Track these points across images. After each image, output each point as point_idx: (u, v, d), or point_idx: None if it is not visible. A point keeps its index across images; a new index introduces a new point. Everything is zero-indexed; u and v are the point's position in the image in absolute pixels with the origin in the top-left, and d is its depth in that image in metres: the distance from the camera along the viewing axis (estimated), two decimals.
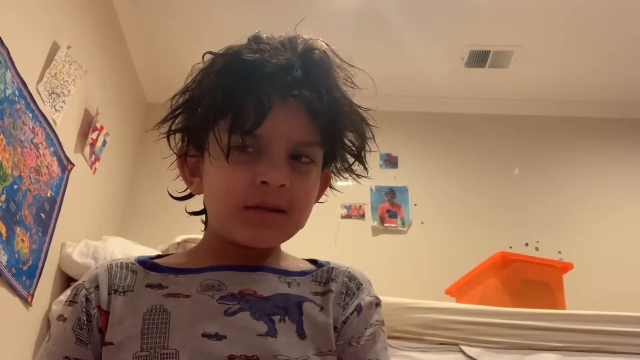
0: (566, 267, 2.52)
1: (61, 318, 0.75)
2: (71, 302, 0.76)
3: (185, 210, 0.87)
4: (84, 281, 0.78)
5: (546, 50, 3.26)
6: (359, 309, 0.76)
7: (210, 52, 0.78)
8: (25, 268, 2.11)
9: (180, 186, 0.85)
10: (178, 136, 0.81)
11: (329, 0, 2.91)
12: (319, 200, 0.85)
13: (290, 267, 0.79)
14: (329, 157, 0.81)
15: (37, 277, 2.22)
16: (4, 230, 1.94)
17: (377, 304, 0.79)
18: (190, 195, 0.84)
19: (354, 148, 0.82)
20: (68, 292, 2.36)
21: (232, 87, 0.74)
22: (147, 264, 0.78)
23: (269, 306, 0.71)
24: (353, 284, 0.78)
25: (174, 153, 0.82)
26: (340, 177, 0.86)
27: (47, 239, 2.29)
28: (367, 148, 0.82)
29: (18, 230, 2.04)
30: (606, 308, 2.16)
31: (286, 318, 0.71)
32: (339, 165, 0.84)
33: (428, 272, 3.09)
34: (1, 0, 1.97)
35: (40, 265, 2.24)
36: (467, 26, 3.11)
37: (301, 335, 0.70)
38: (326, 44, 0.79)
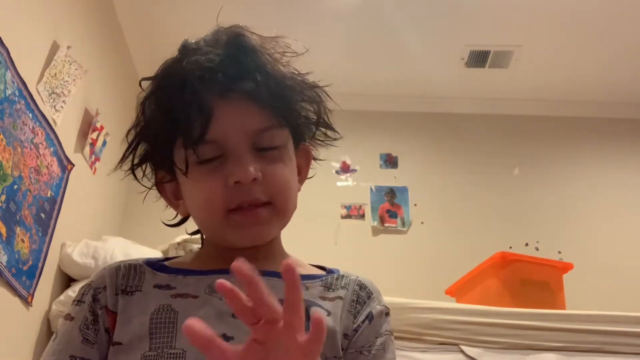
0: (566, 267, 2.52)
1: (68, 317, 0.76)
2: (79, 301, 0.76)
3: (186, 232, 0.87)
4: (92, 281, 0.78)
5: (546, 50, 3.26)
6: (370, 317, 0.76)
7: (145, 78, 0.80)
8: (25, 268, 2.11)
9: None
10: (148, 167, 0.82)
11: (330, 0, 2.91)
12: (308, 177, 0.85)
13: (299, 271, 0.79)
14: (297, 133, 0.80)
15: (37, 277, 2.21)
16: (4, 230, 1.94)
17: (387, 313, 0.80)
18: (183, 220, 0.84)
19: (314, 116, 0.81)
20: (68, 292, 2.38)
21: (171, 105, 0.74)
22: (155, 265, 0.79)
23: None
24: (364, 293, 0.79)
25: (144, 186, 0.83)
26: (316, 144, 0.84)
27: (47, 239, 2.29)
28: (325, 111, 0.81)
29: (18, 230, 2.04)
30: (606, 308, 2.16)
31: None
32: (310, 135, 0.83)
33: (428, 272, 3.08)
34: (1, 1, 1.97)
35: (40, 265, 2.24)
36: (467, 26, 3.11)
37: None
38: (244, 27, 0.79)
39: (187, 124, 0.72)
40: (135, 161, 0.81)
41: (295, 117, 0.79)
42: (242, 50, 0.75)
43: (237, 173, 0.72)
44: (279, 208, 0.75)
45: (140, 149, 0.80)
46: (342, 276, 0.80)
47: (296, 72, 0.79)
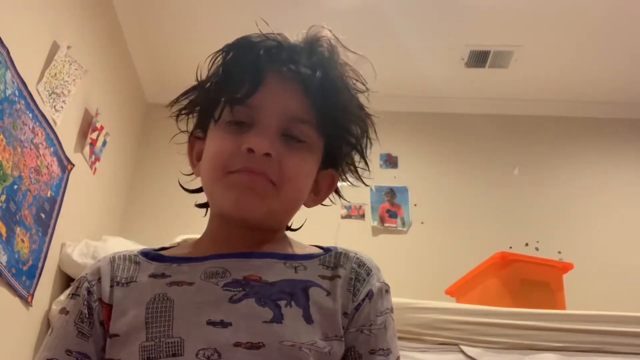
0: (566, 267, 2.51)
1: (63, 311, 0.75)
2: (73, 295, 0.76)
3: (195, 205, 0.87)
4: (86, 274, 0.77)
5: (546, 50, 3.25)
6: (370, 295, 0.75)
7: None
8: (25, 268, 2.11)
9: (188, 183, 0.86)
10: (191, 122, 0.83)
11: (329, 0, 2.91)
12: (324, 203, 0.84)
13: (297, 251, 0.79)
14: (330, 150, 0.80)
15: (37, 277, 2.22)
16: (4, 230, 1.94)
17: (387, 290, 0.79)
18: (201, 189, 0.84)
19: (353, 139, 0.81)
20: (68, 292, 2.38)
21: (233, 63, 0.77)
22: (150, 255, 0.78)
23: (275, 291, 0.71)
24: (363, 270, 0.77)
25: (181, 131, 0.84)
26: (344, 178, 0.85)
27: (47, 239, 2.29)
28: (367, 142, 0.82)
29: (18, 230, 2.04)
30: (606, 308, 2.16)
31: (292, 303, 0.70)
32: (341, 162, 0.83)
33: (428, 272, 3.08)
34: (1, 0, 1.97)
35: (40, 265, 2.24)
36: (467, 26, 3.11)
37: (308, 320, 0.69)
38: (332, 34, 0.80)
39: (237, 82, 0.74)
40: (184, 106, 0.82)
41: (334, 129, 0.78)
42: (316, 45, 0.78)
43: (253, 141, 0.72)
44: (280, 194, 0.74)
45: (191, 97, 0.82)
46: (340, 253, 0.79)
47: (354, 93, 0.80)
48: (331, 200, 0.86)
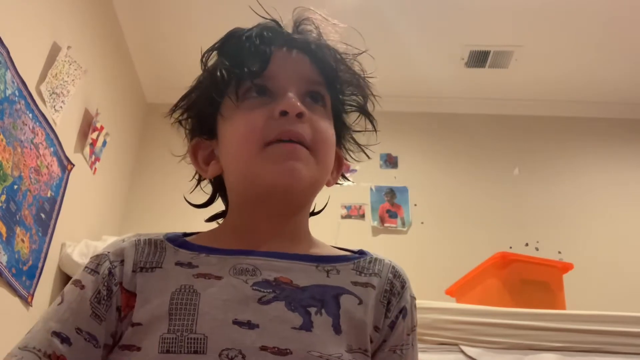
0: (566, 267, 2.51)
1: (78, 284, 0.71)
2: (92, 270, 0.71)
3: (205, 221, 0.84)
4: (108, 252, 0.73)
5: (546, 50, 3.26)
6: (404, 313, 0.73)
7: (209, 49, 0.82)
8: (25, 268, 2.11)
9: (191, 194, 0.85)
10: (189, 128, 0.82)
11: (329, 0, 2.91)
12: (337, 182, 0.84)
13: (324, 252, 0.77)
14: (335, 123, 0.80)
15: (37, 277, 2.22)
16: (4, 231, 1.94)
17: (415, 304, 0.77)
18: (209, 202, 0.83)
19: (360, 99, 0.83)
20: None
21: (235, 50, 0.77)
22: (177, 241, 0.74)
23: (305, 297, 0.68)
24: (398, 282, 0.75)
25: (186, 132, 0.82)
26: (348, 155, 0.85)
27: (47, 239, 2.29)
28: (367, 100, 0.83)
29: (18, 230, 2.04)
30: (606, 308, 2.16)
31: (323, 311, 0.68)
32: (344, 134, 0.84)
33: (428, 272, 3.08)
34: (1, 0, 1.97)
35: (40, 265, 2.24)
36: (467, 26, 3.11)
37: (337, 330, 0.67)
38: (317, 13, 0.84)
39: (247, 62, 0.75)
40: (184, 111, 0.81)
41: (341, 92, 0.81)
42: (306, 21, 0.81)
43: (284, 103, 0.72)
44: (317, 158, 0.73)
45: (192, 99, 0.81)
46: (375, 259, 0.76)
47: (351, 59, 0.83)
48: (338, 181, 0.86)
